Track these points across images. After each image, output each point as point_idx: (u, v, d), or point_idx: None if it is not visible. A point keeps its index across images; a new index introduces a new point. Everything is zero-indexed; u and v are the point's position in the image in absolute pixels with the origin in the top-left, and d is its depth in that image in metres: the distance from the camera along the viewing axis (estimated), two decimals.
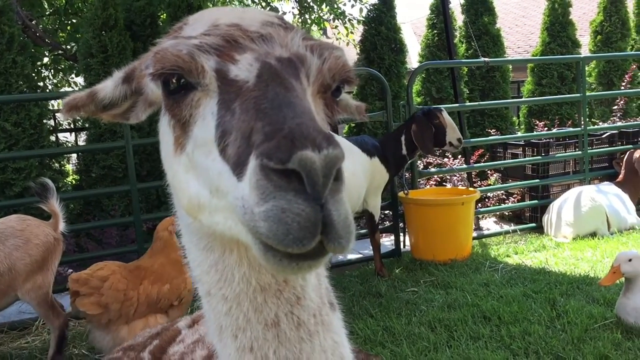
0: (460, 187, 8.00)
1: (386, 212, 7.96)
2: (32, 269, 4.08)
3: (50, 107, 8.34)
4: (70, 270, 6.60)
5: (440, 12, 9.23)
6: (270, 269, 0.94)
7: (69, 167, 9.12)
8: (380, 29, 9.82)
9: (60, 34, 10.75)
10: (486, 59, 7.89)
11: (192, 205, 1.08)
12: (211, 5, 9.70)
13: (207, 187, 1.02)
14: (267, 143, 0.85)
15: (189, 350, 2.13)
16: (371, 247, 6.25)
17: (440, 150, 6.23)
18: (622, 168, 7.93)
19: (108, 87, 1.29)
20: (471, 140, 8.46)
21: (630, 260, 4.20)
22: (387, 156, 6.08)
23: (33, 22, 9.50)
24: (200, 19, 1.15)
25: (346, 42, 11.71)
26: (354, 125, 9.56)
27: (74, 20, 10.36)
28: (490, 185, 8.57)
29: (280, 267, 0.89)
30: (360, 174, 5.73)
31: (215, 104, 1.01)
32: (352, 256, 7.07)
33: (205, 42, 1.03)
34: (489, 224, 8.40)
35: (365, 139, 6.15)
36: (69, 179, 8.47)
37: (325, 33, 14.27)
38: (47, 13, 11.19)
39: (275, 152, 0.82)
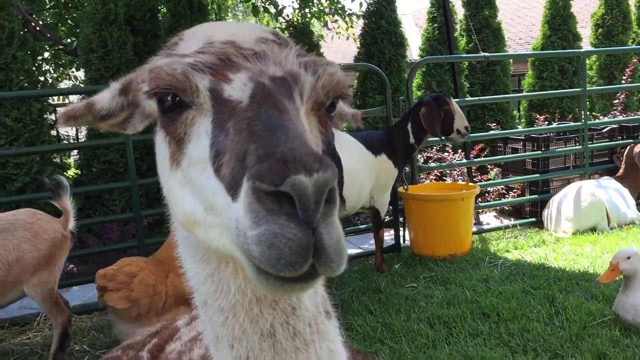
0: (460, 182, 8.01)
1: None
2: (39, 263, 4.11)
3: (51, 102, 8.34)
4: (71, 266, 6.66)
5: (441, 6, 9.20)
6: (262, 290, 0.96)
7: (71, 161, 9.13)
8: (381, 23, 9.79)
9: (61, 28, 10.73)
10: (486, 54, 7.88)
11: (188, 220, 1.09)
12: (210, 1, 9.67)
13: (202, 204, 1.03)
14: (259, 165, 0.86)
15: (186, 348, 2.14)
16: (371, 243, 6.27)
17: (447, 138, 6.16)
18: (623, 163, 7.92)
19: (105, 98, 1.30)
20: (471, 134, 8.45)
21: (628, 257, 4.21)
22: (395, 147, 6.01)
23: (33, 17, 9.50)
24: (195, 35, 1.16)
25: (346, 36, 11.69)
26: None
27: (74, 15, 10.34)
28: (490, 179, 8.58)
29: (273, 289, 0.90)
30: (363, 172, 5.69)
31: (209, 123, 1.02)
32: (352, 251, 7.10)
33: (199, 61, 1.04)
34: (489, 219, 8.42)
35: (371, 135, 6.12)
36: (70, 172, 8.48)
37: (326, 25, 14.22)
38: (47, 7, 11.17)
39: (268, 175, 0.83)
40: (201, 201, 1.03)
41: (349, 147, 5.62)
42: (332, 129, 1.21)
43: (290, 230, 0.84)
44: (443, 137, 6.17)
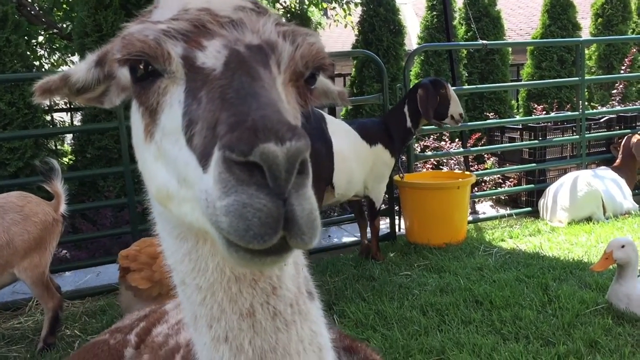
0: (456, 170, 7.98)
1: None
2: (30, 246, 4.08)
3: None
4: (64, 251, 6.64)
5: None
6: (233, 263, 0.93)
7: (67, 147, 9.08)
8: (379, 10, 9.73)
9: (57, 13, 10.64)
10: (484, 42, 7.81)
11: (161, 194, 1.07)
12: None
13: (175, 176, 1.00)
14: (229, 135, 0.83)
15: (173, 331, 2.12)
16: (367, 231, 6.25)
17: (441, 123, 6.04)
18: (620, 153, 7.90)
19: (81, 70, 1.26)
20: (468, 123, 8.42)
21: (622, 246, 4.19)
22: (392, 135, 5.89)
23: (28, 1, 9.41)
24: (170, 2, 1.12)
25: (344, 24, 11.61)
26: (351, 107, 9.50)
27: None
28: (486, 169, 8.55)
29: (243, 262, 0.87)
30: (355, 160, 5.58)
31: (182, 92, 0.99)
32: (347, 239, 7.09)
33: (172, 28, 1.01)
34: (485, 208, 8.40)
35: (367, 124, 6.01)
36: (65, 159, 8.44)
37: (325, 14, 14.13)
38: None
39: (237, 144, 0.80)
40: (174, 174, 1.00)
41: (341, 134, 5.53)
42: (312, 102, 1.17)
43: (259, 201, 0.81)
44: (438, 122, 6.08)
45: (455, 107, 5.97)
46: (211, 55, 0.97)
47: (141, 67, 1.03)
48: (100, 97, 1.31)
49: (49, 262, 4.27)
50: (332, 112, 10.65)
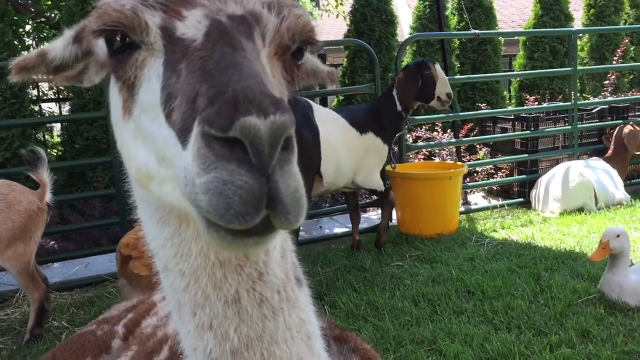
0: (448, 161, 7.95)
1: None
2: (14, 234, 4.01)
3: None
4: (52, 242, 6.57)
5: None
6: (213, 245, 0.88)
7: (56, 138, 8.97)
8: (371, 0, 9.65)
9: (46, 2, 10.51)
10: (477, 31, 7.76)
11: (141, 174, 1.01)
12: None
13: (155, 155, 0.95)
14: (209, 108, 0.77)
15: (162, 323, 2.09)
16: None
17: (428, 104, 5.94)
18: (612, 143, 7.90)
19: (58, 47, 1.20)
20: (460, 114, 8.39)
21: (618, 236, 4.18)
22: (383, 122, 5.72)
23: None
24: None
25: (336, 14, 11.53)
26: (342, 97, 9.44)
27: None
28: (479, 159, 8.53)
29: (224, 244, 0.82)
30: (343, 148, 5.44)
31: (160, 65, 0.94)
32: (338, 230, 7.06)
33: None
34: (477, 199, 8.38)
35: (357, 111, 5.91)
36: (55, 151, 8.34)
37: (317, 4, 14.05)
38: None
39: (217, 119, 0.75)
40: (154, 152, 0.95)
41: (329, 121, 5.41)
42: (299, 78, 1.12)
43: (240, 177, 0.76)
44: (416, 105, 6.02)
45: (443, 88, 5.76)
46: (191, 26, 0.92)
47: (118, 38, 0.98)
48: (79, 76, 1.25)
49: (34, 252, 4.21)
50: (324, 101, 10.59)
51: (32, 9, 9.34)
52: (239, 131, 0.74)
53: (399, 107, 5.74)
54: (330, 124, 5.41)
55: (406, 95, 5.68)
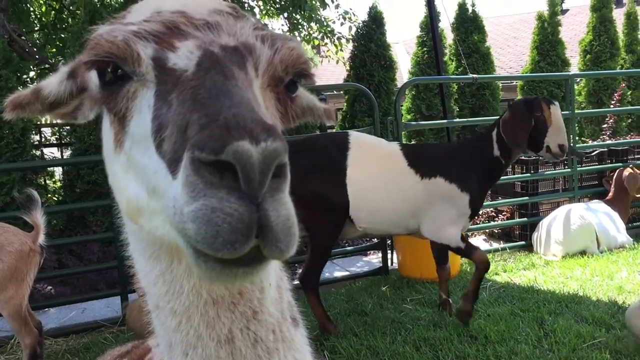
0: None
1: None
2: (4, 276, 3.95)
3: (35, 122, 8.24)
4: (49, 287, 6.49)
5: (430, 30, 9.24)
6: (203, 276, 0.85)
7: (58, 182, 8.98)
8: (370, 46, 9.83)
9: (50, 50, 10.69)
10: (474, 76, 7.86)
11: (131, 208, 1.00)
12: None
13: (145, 187, 0.93)
14: (200, 134, 0.76)
15: None
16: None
17: (536, 154, 5.05)
18: (612, 186, 7.88)
19: (53, 83, 1.20)
20: None
21: None
22: (470, 163, 4.79)
23: (22, 38, 9.45)
24: (144, 5, 1.07)
25: (336, 60, 11.72)
26: None
27: (63, 35, 10.32)
28: None
29: (213, 275, 0.80)
30: (382, 190, 4.71)
31: (152, 96, 0.93)
32: (338, 273, 6.99)
33: (143, 29, 0.96)
34: (479, 242, 8.31)
35: (428, 149, 5.19)
36: (56, 197, 8.34)
37: (318, 52, 14.28)
38: (35, 29, 11.15)
39: (208, 142, 0.74)
40: (144, 184, 0.94)
41: (372, 159, 4.77)
42: (293, 111, 1.12)
43: (230, 205, 0.74)
44: (527, 151, 5.08)
45: (555, 136, 4.69)
46: (183, 56, 0.92)
47: (109, 70, 0.98)
48: (73, 112, 1.24)
49: (26, 295, 4.14)
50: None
51: (37, 56, 9.50)
52: (231, 155, 0.73)
53: (496, 152, 4.76)
54: (375, 161, 4.78)
55: (511, 139, 4.68)
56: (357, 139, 4.88)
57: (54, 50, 10.62)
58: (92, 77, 1.06)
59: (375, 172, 4.72)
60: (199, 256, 0.79)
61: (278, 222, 0.78)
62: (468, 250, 4.76)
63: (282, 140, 0.77)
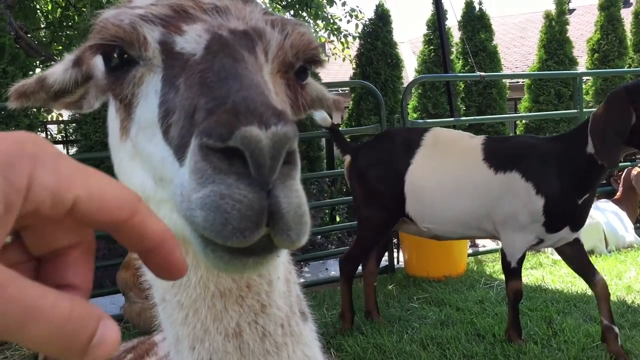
0: None
1: None
2: None
3: (41, 119, 8.26)
4: None
5: (437, 28, 9.20)
6: (211, 266, 0.82)
7: None
8: (377, 44, 9.79)
9: (56, 47, 10.71)
10: (482, 73, 7.81)
11: None
12: None
13: (152, 175, 0.91)
14: (207, 120, 0.73)
15: None
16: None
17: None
18: (620, 185, 7.83)
19: (58, 71, 1.18)
20: None
21: None
22: (558, 161, 3.99)
23: (28, 35, 9.46)
24: None
25: (342, 57, 11.69)
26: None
27: (69, 32, 10.33)
28: None
29: (221, 264, 0.77)
30: (449, 187, 4.33)
31: (159, 81, 0.90)
32: None
33: (150, 12, 0.93)
34: (485, 241, 8.27)
35: (509, 141, 4.52)
36: None
37: (324, 50, 14.26)
38: (42, 26, 11.17)
39: (215, 128, 0.70)
40: (150, 172, 0.91)
41: (454, 152, 4.41)
42: (303, 98, 1.09)
43: (239, 192, 0.71)
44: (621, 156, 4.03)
45: None
46: (191, 40, 0.89)
47: (115, 55, 0.95)
48: (78, 101, 1.22)
49: None
50: (330, 141, 10.59)
51: (43, 53, 9.51)
52: (239, 141, 0.69)
53: (589, 149, 3.81)
54: (448, 158, 4.41)
55: (606, 134, 3.67)
56: (434, 135, 4.59)
57: (60, 47, 10.65)
58: (98, 63, 1.03)
59: (444, 170, 4.35)
60: (207, 245, 0.76)
61: (289, 209, 0.74)
62: (512, 273, 4.25)
63: (292, 124, 0.74)
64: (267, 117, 0.71)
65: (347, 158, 4.90)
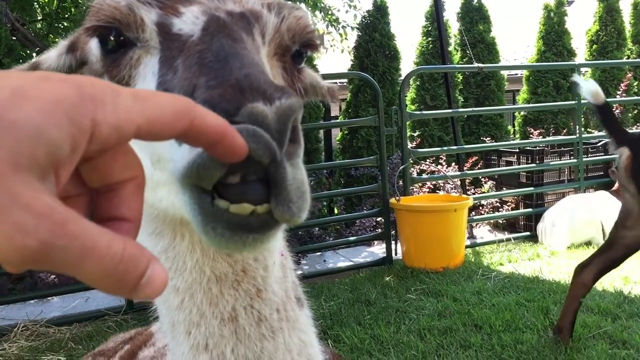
0: (453, 194, 7.90)
1: (378, 219, 7.86)
2: None
3: None
4: (52, 277, 6.49)
5: (435, 20, 9.18)
6: (211, 244, 0.81)
7: None
8: (374, 36, 9.77)
9: (53, 39, 10.67)
10: (480, 65, 7.79)
11: None
12: None
13: (149, 157, 0.89)
14: (210, 92, 0.71)
15: (159, 354, 2.03)
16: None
17: None
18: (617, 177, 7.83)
19: (52, 57, 1.17)
20: (465, 146, 8.37)
21: None
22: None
23: (24, 27, 9.41)
24: None
25: (341, 49, 11.65)
26: (347, 132, 9.46)
27: (65, 24, 10.27)
28: (484, 193, 8.47)
29: (222, 242, 0.75)
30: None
31: (156, 62, 0.90)
32: (342, 263, 6.97)
33: None
34: (483, 233, 8.29)
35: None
36: None
37: (322, 42, 14.21)
38: (38, 18, 11.10)
39: (220, 102, 0.68)
40: (148, 154, 0.89)
41: None
42: (299, 82, 1.08)
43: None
44: None
45: None
46: (189, 21, 0.88)
47: (112, 37, 0.94)
48: None
49: None
50: (328, 134, 10.59)
51: (39, 45, 9.47)
52: (246, 117, 0.68)
53: None
54: None
55: None
56: None
57: (57, 39, 10.61)
58: (93, 48, 1.02)
59: None
60: (207, 223, 0.74)
61: (293, 182, 0.73)
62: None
63: (296, 96, 0.73)
64: (270, 92, 0.70)
65: (625, 152, 3.77)
